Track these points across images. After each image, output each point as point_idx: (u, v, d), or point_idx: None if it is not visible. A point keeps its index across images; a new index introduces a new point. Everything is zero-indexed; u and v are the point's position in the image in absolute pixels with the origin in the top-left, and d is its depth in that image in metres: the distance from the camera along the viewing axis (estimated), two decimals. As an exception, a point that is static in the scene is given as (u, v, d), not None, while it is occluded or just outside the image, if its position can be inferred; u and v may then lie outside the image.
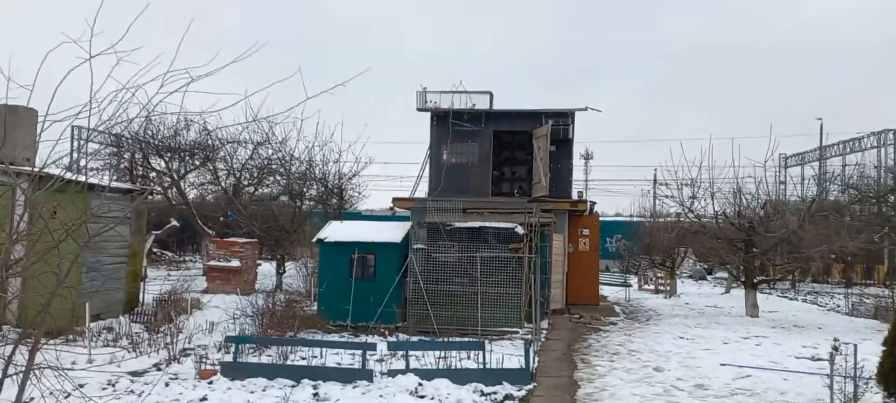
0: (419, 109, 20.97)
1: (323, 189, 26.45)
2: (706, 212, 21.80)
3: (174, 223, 25.11)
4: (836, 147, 48.93)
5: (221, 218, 28.15)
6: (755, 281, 20.44)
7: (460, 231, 17.24)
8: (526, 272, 16.81)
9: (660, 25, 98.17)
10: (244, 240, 21.49)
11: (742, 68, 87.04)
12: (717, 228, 21.01)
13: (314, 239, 17.37)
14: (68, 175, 5.53)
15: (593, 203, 23.79)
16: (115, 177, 25.27)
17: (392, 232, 16.97)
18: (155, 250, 35.97)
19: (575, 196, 21.49)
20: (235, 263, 20.92)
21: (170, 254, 35.38)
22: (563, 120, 20.43)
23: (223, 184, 28.73)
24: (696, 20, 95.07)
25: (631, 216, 47.12)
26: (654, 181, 56.98)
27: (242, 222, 24.62)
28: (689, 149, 19.29)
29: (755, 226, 20.20)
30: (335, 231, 17.02)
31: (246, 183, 29.21)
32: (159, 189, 26.87)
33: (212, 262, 21.10)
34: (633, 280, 33.29)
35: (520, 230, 16.83)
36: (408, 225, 17.40)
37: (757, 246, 20.33)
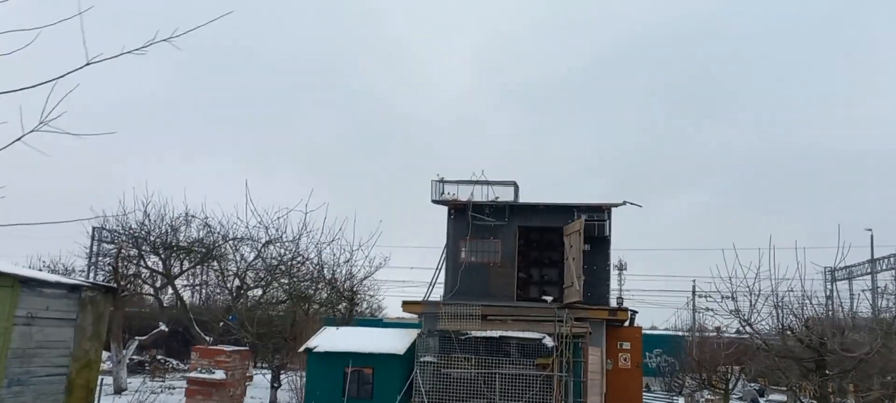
0: (435, 201, 18.56)
1: (332, 291, 23.91)
2: (767, 326, 18.69)
3: (163, 328, 22.60)
4: (887, 260, 45.58)
5: (221, 324, 25.61)
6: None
7: (477, 341, 14.47)
8: (556, 393, 13.85)
9: (737, 130, 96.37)
10: (231, 348, 18.78)
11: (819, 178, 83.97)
12: (783, 345, 17.80)
13: (302, 348, 14.66)
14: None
15: (635, 312, 20.73)
16: (105, 278, 23.06)
17: (395, 342, 14.22)
18: (159, 357, 33.49)
19: (614, 303, 18.53)
20: (220, 375, 18.14)
21: (175, 362, 32.73)
22: (598, 215, 17.82)
23: (228, 285, 26.40)
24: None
25: (666, 329, 43.65)
26: (694, 292, 53.73)
27: (241, 328, 22.06)
28: (745, 257, 16.27)
29: (827, 343, 16.98)
30: (327, 339, 14.35)
31: (251, 284, 26.79)
32: (140, 288, 24.53)
33: (192, 374, 18.36)
34: (680, 401, 29.53)
35: (549, 342, 14.00)
36: (414, 332, 14.65)
37: (829, 368, 17.08)
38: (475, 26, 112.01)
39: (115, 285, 21.71)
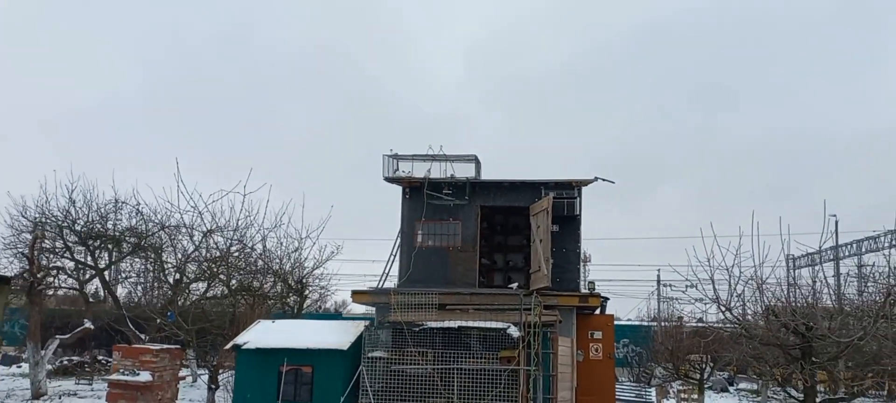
0: (387, 179, 16.71)
1: (277, 282, 21.93)
2: (749, 311, 17.29)
3: (88, 324, 20.35)
4: (848, 247, 45.35)
5: (158, 320, 23.37)
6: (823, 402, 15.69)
7: (434, 333, 12.72)
8: (523, 389, 12.18)
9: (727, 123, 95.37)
10: (158, 347, 16.68)
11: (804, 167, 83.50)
12: (766, 332, 16.38)
13: (228, 345, 12.70)
14: None
15: (606, 299, 19.13)
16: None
17: (339, 336, 12.36)
18: (101, 358, 30.93)
19: (584, 288, 16.92)
20: (145, 377, 16.04)
21: (110, 360, 30.18)
22: (567, 192, 16.17)
23: (169, 278, 24.16)
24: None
25: (629, 319, 42.65)
26: (659, 281, 52.79)
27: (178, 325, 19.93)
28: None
29: (814, 328, 15.62)
30: (260, 334, 12.43)
31: (192, 278, 24.57)
32: (62, 281, 22.21)
33: (114, 376, 16.24)
34: (651, 392, 28.24)
35: (514, 332, 12.30)
36: (361, 325, 12.80)
37: (817, 355, 15.73)
38: (470, 18, 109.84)
39: (28, 276, 19.44)
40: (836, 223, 44.06)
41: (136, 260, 25.55)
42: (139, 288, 25.50)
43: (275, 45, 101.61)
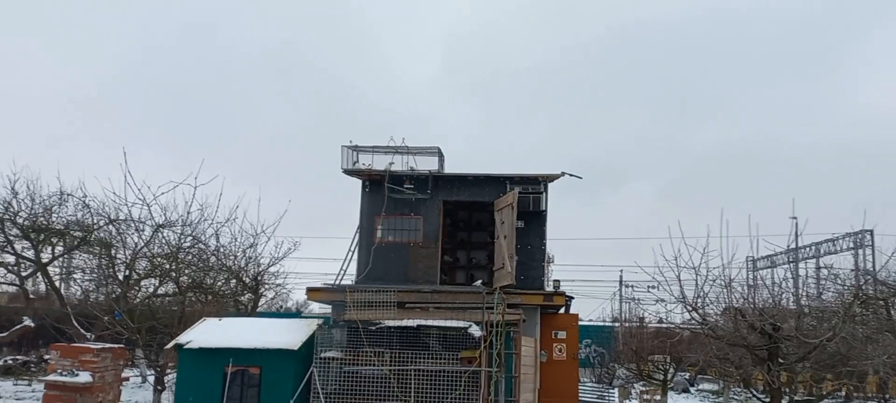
0: (346, 172, 15.98)
1: (230, 278, 21.02)
2: (714, 312, 16.97)
3: (28, 322, 19.21)
4: (807, 249, 45.88)
5: (106, 318, 22.22)
6: (790, 403, 15.41)
7: (392, 332, 12.06)
8: (484, 391, 11.60)
9: (696, 126, 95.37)
10: (99, 346, 15.68)
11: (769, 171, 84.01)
12: (733, 333, 16.05)
13: (170, 345, 11.87)
14: None
15: (571, 298, 18.63)
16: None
17: (289, 335, 11.61)
18: (47, 357, 29.53)
19: (549, 287, 16.40)
20: (85, 378, 15.05)
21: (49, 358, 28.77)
22: (533, 187, 15.62)
23: (118, 274, 23.00)
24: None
25: (592, 320, 42.49)
26: (621, 282, 52.76)
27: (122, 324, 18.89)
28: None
29: (781, 328, 15.33)
30: (204, 333, 11.63)
31: (142, 274, 23.45)
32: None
33: (51, 376, 15.22)
34: (614, 393, 27.95)
35: (476, 331, 11.70)
36: (314, 323, 12.07)
37: (784, 357, 15.46)
38: (443, 14, 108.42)
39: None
40: (796, 224, 44.61)
41: (86, 255, 24.40)
42: (85, 284, 24.30)
43: (237, 43, 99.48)
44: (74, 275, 23.75)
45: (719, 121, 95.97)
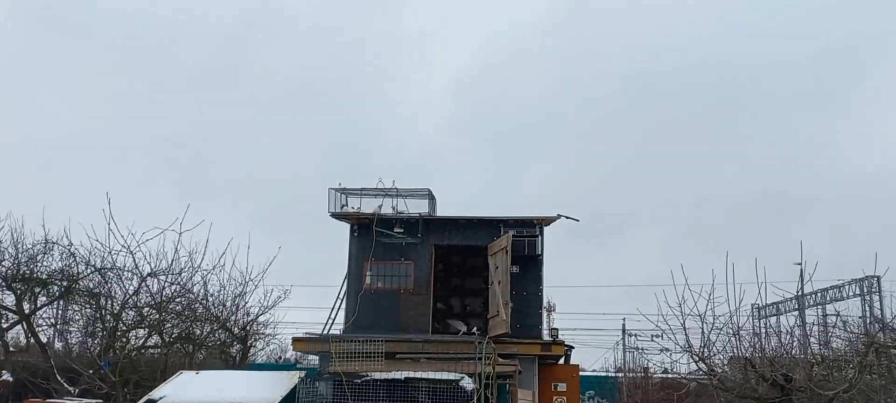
0: (333, 215, 15.39)
1: (218, 329, 20.21)
2: (720, 361, 16.16)
3: (6, 376, 18.43)
4: (813, 296, 45.10)
5: (91, 371, 21.38)
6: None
7: (378, 386, 11.30)
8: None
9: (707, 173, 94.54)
10: (76, 402, 14.93)
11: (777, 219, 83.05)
12: (744, 384, 15.22)
13: (142, 401, 11.11)
14: None
15: (571, 348, 17.85)
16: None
17: (269, 389, 10.86)
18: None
19: (547, 335, 15.64)
20: (56, 436, 14.29)
21: None
22: (528, 230, 15.02)
23: (105, 325, 22.24)
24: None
25: (595, 370, 41.52)
26: (624, 330, 51.69)
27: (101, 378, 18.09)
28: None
29: (793, 378, 14.51)
30: (179, 387, 10.92)
31: (128, 326, 22.65)
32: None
33: (19, 435, 14.45)
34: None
35: (468, 384, 10.94)
36: (295, 376, 11.33)
37: (796, 409, 14.60)
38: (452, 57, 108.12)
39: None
40: (802, 271, 43.78)
41: (73, 305, 23.69)
42: (70, 335, 23.53)
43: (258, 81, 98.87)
44: (69, 329, 23.04)
45: (733, 167, 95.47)
